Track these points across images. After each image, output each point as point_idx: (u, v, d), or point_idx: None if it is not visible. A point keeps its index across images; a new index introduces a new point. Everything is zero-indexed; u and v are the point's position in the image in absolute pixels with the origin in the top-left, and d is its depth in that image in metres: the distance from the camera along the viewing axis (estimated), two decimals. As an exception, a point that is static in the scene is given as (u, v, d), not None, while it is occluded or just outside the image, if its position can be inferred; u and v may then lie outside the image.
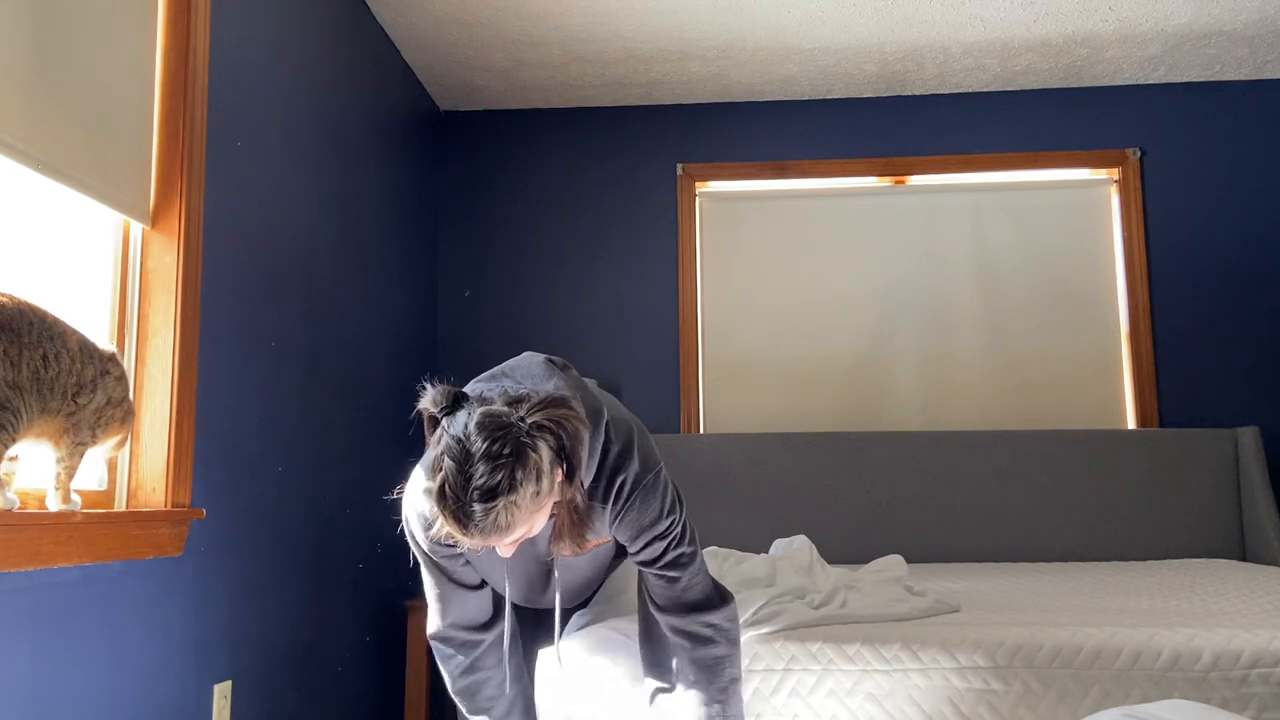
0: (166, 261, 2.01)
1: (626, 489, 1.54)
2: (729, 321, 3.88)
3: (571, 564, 1.69)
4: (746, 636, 1.74)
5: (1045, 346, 3.78)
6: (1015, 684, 1.65)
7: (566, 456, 1.38)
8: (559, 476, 1.39)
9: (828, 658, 1.71)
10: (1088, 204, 3.85)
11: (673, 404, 3.81)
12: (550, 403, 1.38)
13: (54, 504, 1.54)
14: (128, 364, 1.95)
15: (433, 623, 1.71)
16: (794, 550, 2.33)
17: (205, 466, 2.11)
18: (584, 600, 1.93)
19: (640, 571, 1.67)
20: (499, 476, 1.31)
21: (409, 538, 1.65)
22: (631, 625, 1.80)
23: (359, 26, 3.10)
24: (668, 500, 1.58)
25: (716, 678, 1.62)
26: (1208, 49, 3.53)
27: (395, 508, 3.27)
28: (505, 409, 1.37)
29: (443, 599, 1.67)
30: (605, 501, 1.55)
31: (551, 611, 1.90)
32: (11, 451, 1.43)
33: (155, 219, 2.01)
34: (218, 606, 2.15)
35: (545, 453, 1.35)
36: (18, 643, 1.55)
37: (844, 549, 3.44)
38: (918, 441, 3.56)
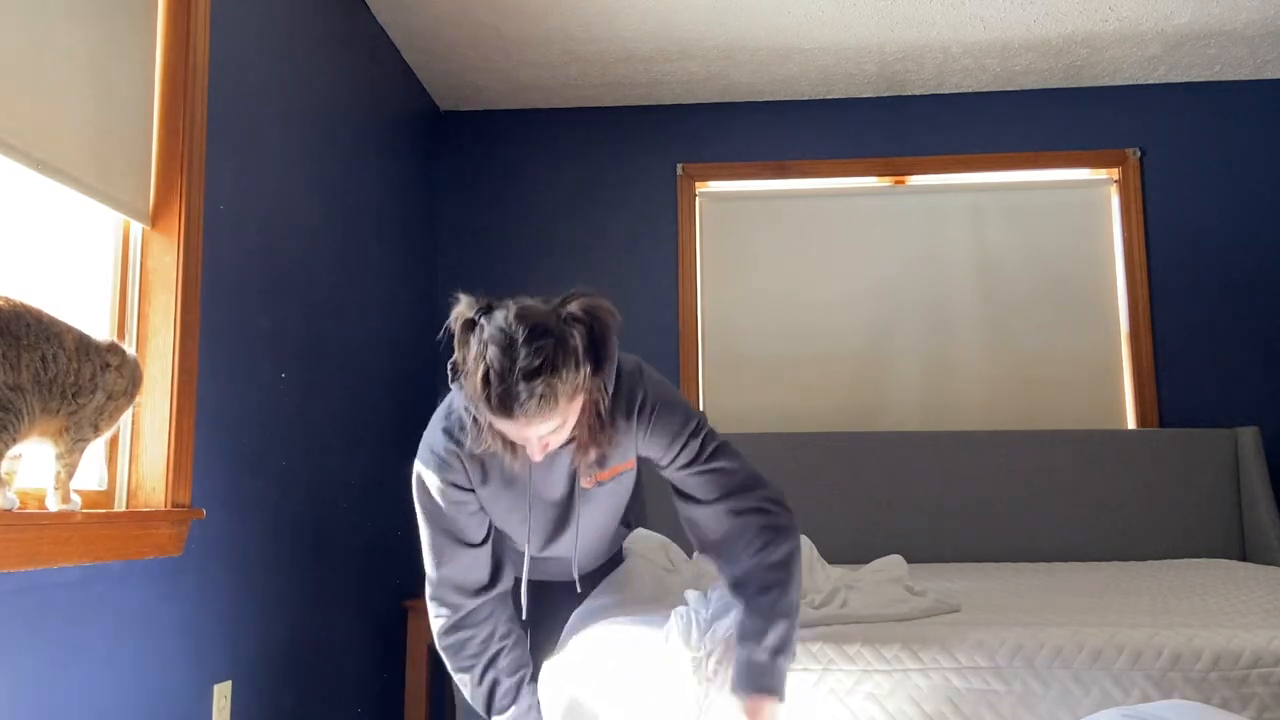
0: (166, 261, 2.00)
1: (648, 401, 1.63)
2: (729, 321, 3.88)
3: (591, 497, 1.70)
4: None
5: (1045, 346, 3.78)
6: (1015, 684, 1.65)
7: (598, 347, 1.49)
8: (589, 369, 1.48)
9: (828, 657, 1.71)
10: (1088, 204, 3.85)
11: (673, 404, 3.81)
12: (584, 295, 1.51)
13: (54, 504, 1.54)
14: (128, 364, 1.95)
15: (428, 580, 1.70)
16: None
17: (205, 466, 2.11)
18: (586, 588, 1.92)
19: (685, 495, 1.67)
20: (541, 358, 1.41)
21: (416, 488, 1.66)
22: (634, 614, 1.80)
23: (359, 26, 3.10)
24: (686, 407, 1.65)
25: (773, 551, 1.60)
26: (1208, 49, 3.53)
27: (397, 506, 3.27)
28: (541, 303, 1.50)
29: (438, 554, 1.67)
30: (629, 416, 1.62)
31: (557, 590, 1.90)
32: (14, 451, 1.43)
33: (155, 219, 2.01)
34: (218, 606, 2.15)
35: (580, 341, 1.47)
36: (18, 643, 1.55)
37: (844, 549, 3.44)
38: (918, 441, 3.55)
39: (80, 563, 1.65)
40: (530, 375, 1.40)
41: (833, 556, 3.45)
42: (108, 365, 1.55)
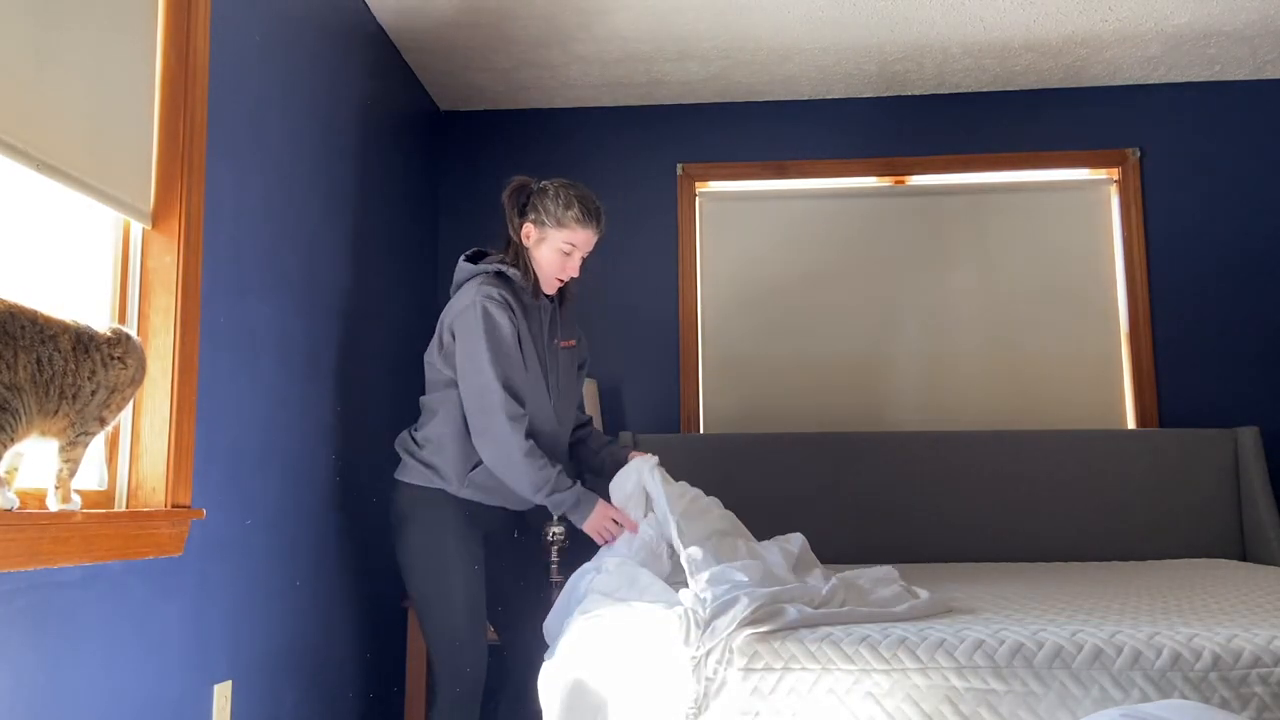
0: (166, 261, 2.00)
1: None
2: (729, 321, 3.88)
3: (561, 356, 2.55)
4: (745, 635, 1.74)
5: (1045, 346, 3.78)
6: (1015, 684, 1.65)
7: None
8: None
9: (827, 657, 1.71)
10: (1088, 204, 3.85)
11: (672, 404, 3.81)
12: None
13: (54, 504, 1.54)
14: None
15: (495, 404, 2.32)
16: (791, 550, 2.33)
17: (205, 466, 2.11)
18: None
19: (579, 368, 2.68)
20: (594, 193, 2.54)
21: (484, 329, 2.34)
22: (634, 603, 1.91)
23: (359, 27, 3.10)
24: None
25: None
26: (1208, 49, 3.53)
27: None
28: None
29: (503, 376, 2.35)
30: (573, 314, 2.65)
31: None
32: (14, 449, 1.43)
33: (155, 219, 2.02)
34: (218, 606, 2.15)
35: None
36: (18, 643, 1.55)
37: (844, 549, 3.44)
38: (918, 441, 3.56)
39: (80, 563, 1.65)
40: (597, 201, 2.49)
41: (833, 557, 3.44)
42: (111, 359, 1.54)
